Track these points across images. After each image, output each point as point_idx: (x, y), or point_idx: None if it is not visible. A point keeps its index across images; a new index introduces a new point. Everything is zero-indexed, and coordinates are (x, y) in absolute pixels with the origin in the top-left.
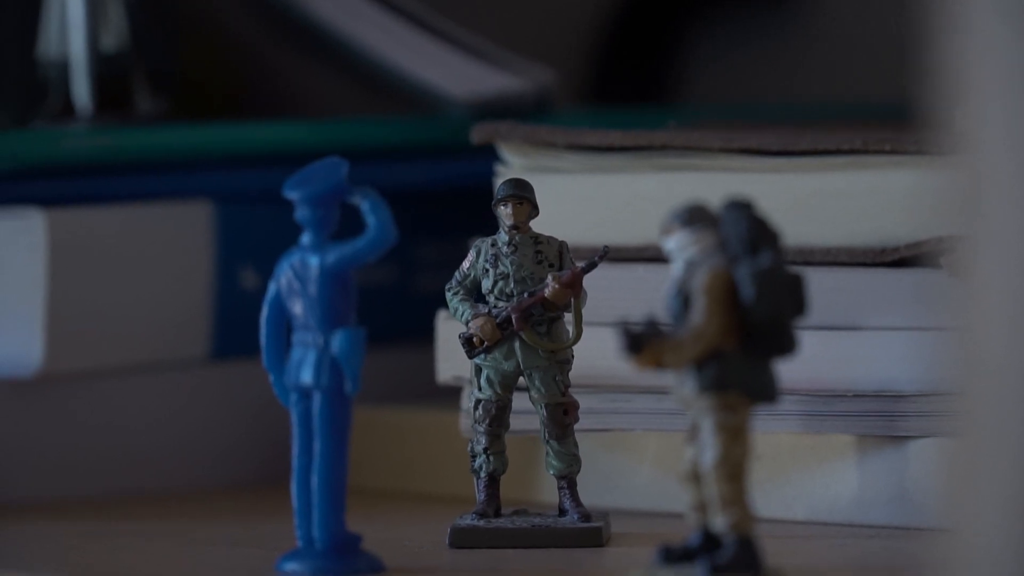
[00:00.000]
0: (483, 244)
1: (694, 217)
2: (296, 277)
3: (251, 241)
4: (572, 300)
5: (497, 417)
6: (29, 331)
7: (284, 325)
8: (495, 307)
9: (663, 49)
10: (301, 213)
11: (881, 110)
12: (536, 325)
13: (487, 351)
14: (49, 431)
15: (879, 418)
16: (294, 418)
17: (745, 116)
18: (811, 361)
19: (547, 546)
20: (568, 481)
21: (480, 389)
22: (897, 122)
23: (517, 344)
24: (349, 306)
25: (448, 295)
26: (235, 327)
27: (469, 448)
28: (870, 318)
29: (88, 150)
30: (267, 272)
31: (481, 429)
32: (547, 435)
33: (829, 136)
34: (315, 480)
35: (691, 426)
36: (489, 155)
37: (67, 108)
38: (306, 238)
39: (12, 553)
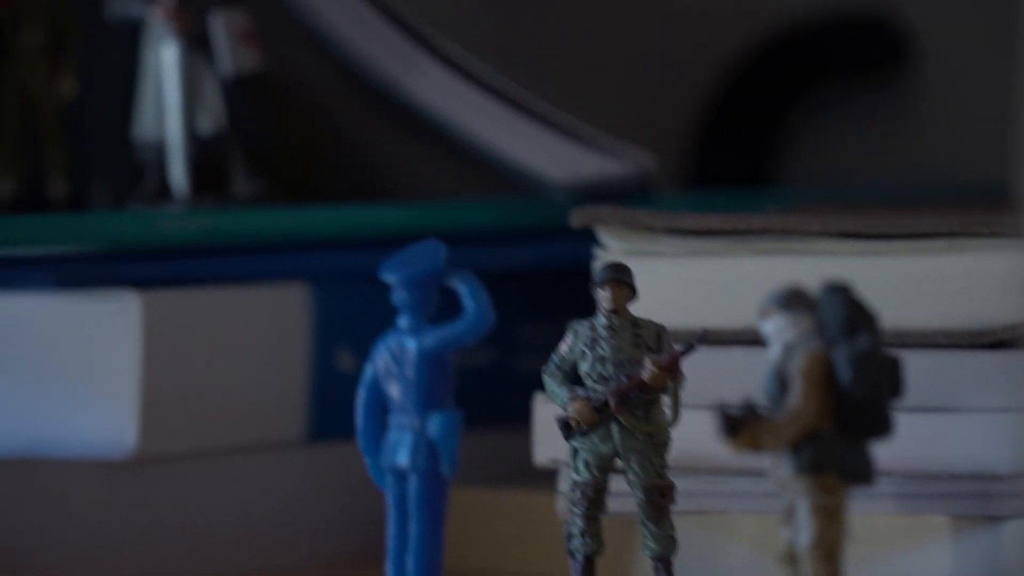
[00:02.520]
0: (581, 327)
1: (792, 300)
2: (393, 360)
3: (348, 323)
4: (670, 383)
5: (594, 500)
6: (124, 412)
7: (381, 407)
8: (592, 390)
9: (762, 133)
10: (399, 296)
11: (980, 191)
12: (633, 408)
13: (584, 434)
14: (144, 513)
15: (975, 499)
16: (390, 500)
17: (844, 198)
18: (907, 442)
19: None
20: (664, 563)
21: (577, 472)
22: (995, 204)
23: (614, 427)
24: (446, 389)
25: (546, 378)
26: (331, 409)
27: (566, 530)
28: (966, 400)
29: (184, 232)
30: (364, 354)
31: (578, 511)
32: (644, 517)
33: (926, 219)
34: (410, 562)
35: (787, 507)
36: (588, 238)
37: (163, 190)
38: (404, 321)
39: None
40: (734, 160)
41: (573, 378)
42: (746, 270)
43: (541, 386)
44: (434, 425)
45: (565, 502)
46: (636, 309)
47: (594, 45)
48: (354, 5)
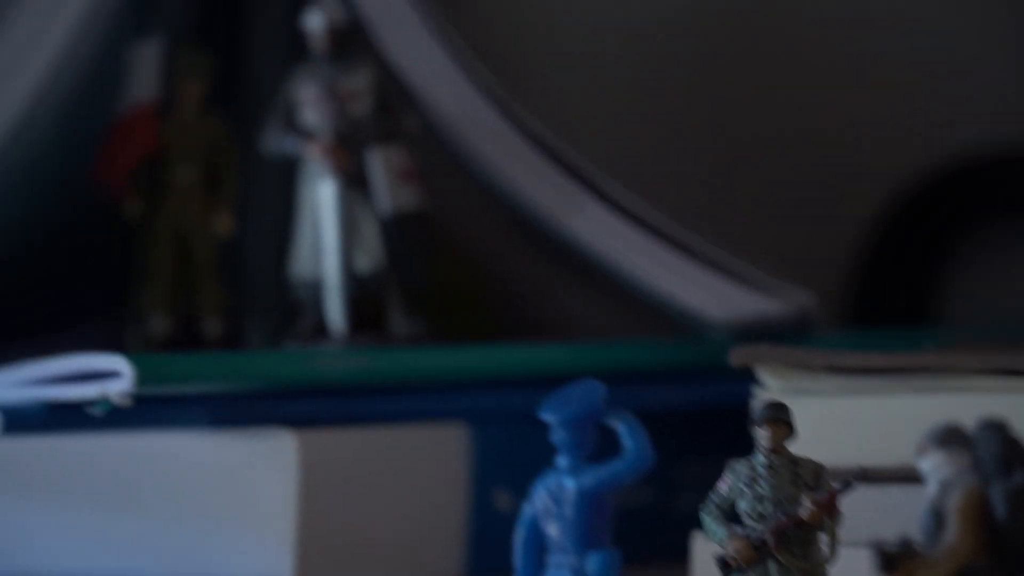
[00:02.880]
0: (740, 466)
1: (949, 438)
2: (552, 499)
3: (506, 462)
4: (827, 521)
5: None
6: (280, 551)
7: (539, 547)
8: (751, 528)
9: (922, 270)
10: (557, 435)
11: None
12: (791, 546)
13: (743, 572)
14: None
15: None
16: None
17: (1003, 336)
18: None
19: None
20: None
21: None
22: None
23: (772, 565)
24: (605, 528)
25: (704, 516)
26: (489, 548)
27: None
28: None
29: (340, 371)
30: (522, 493)
31: None
32: None
33: None
34: None
35: None
36: (747, 377)
37: (320, 328)
38: (562, 460)
39: None
40: (894, 298)
41: (731, 517)
42: (904, 408)
43: (700, 525)
44: (592, 564)
45: None
46: (795, 447)
47: (753, 184)
48: (516, 144)
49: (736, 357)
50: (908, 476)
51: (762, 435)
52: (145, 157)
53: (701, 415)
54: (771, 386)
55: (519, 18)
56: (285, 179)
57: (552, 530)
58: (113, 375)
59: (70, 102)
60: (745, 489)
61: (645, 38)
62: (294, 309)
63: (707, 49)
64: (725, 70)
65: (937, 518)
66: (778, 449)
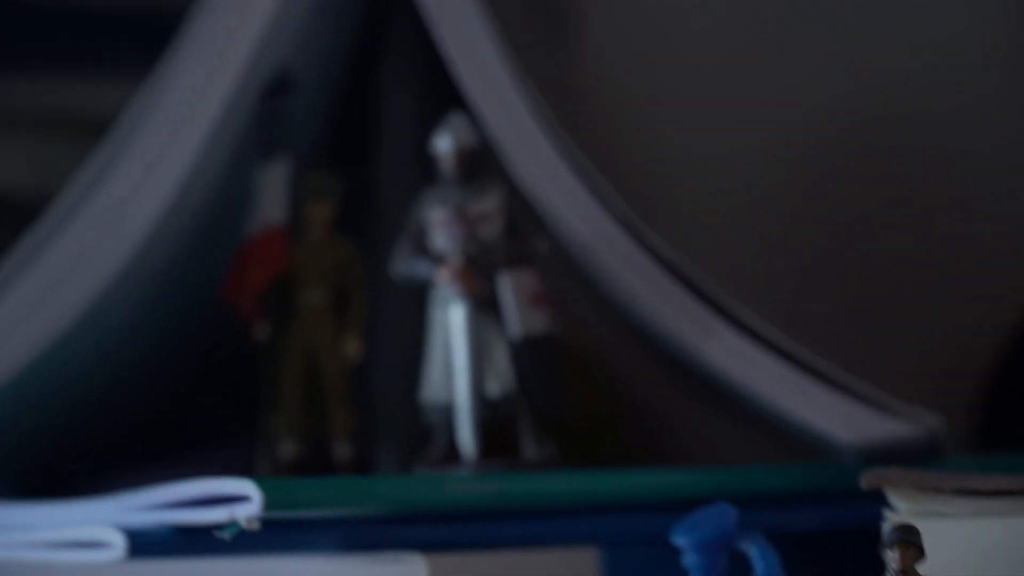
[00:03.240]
0: None
1: None
2: None
3: None
4: None
5: None
6: None
7: None
8: None
9: None
10: (689, 559)
11: None
12: None
13: None
14: None
15: None
16: None
17: None
18: None
19: None
20: None
21: None
22: None
23: None
24: None
25: None
26: None
27: None
28: None
29: (471, 496)
30: None
31: None
32: None
33: None
34: None
35: None
36: (877, 500)
37: (451, 453)
38: None
39: None
40: (1021, 419)
41: None
42: None
43: None
44: None
45: None
46: (924, 570)
47: (881, 306)
48: (647, 267)
49: (866, 480)
50: None
51: (892, 557)
52: (274, 279)
53: (831, 538)
54: (901, 509)
55: (646, 141)
56: (415, 302)
57: None
58: (242, 499)
59: (196, 224)
60: None
61: (773, 162)
62: (425, 433)
63: (836, 171)
64: (854, 191)
65: None
66: (908, 571)
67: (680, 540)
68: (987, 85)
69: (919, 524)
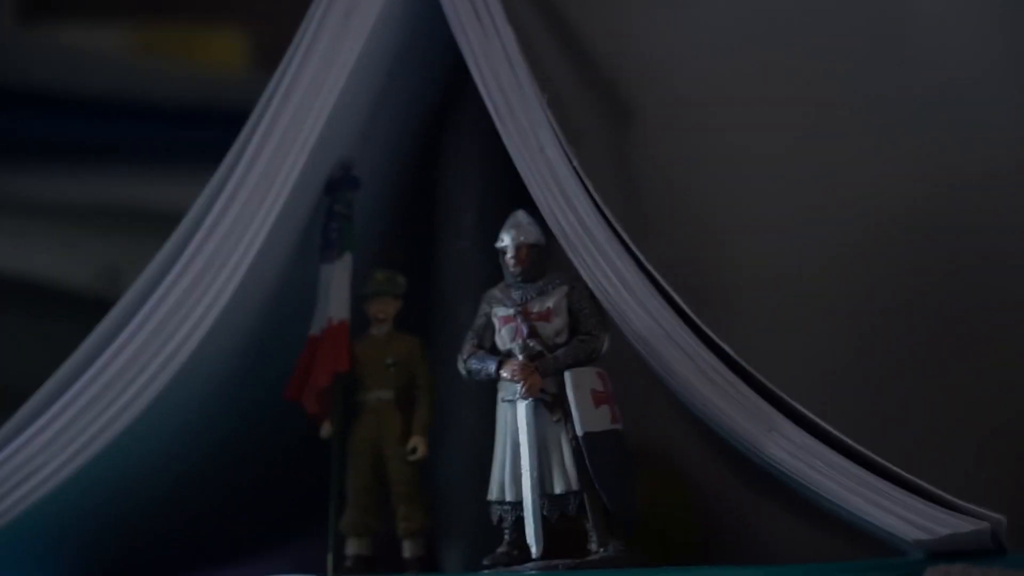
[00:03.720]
0: None
1: None
2: None
3: None
4: None
5: None
6: None
7: None
8: None
9: None
10: None
11: None
12: None
13: None
14: None
15: None
16: None
17: None
18: None
19: None
20: None
21: None
22: None
23: None
24: None
25: None
26: None
27: None
28: None
29: None
30: None
31: None
32: None
33: None
34: None
35: None
36: None
37: (517, 552)
38: None
39: None
40: None
41: None
42: None
43: None
44: None
45: None
46: None
47: (943, 407)
48: (712, 366)
49: None
50: None
51: None
52: (338, 377)
53: None
54: None
55: (707, 237)
56: (480, 400)
57: None
58: None
59: (260, 321)
60: None
61: (835, 257)
62: (491, 532)
63: (898, 266)
64: (917, 286)
65: None
66: None
67: None
68: None
69: None
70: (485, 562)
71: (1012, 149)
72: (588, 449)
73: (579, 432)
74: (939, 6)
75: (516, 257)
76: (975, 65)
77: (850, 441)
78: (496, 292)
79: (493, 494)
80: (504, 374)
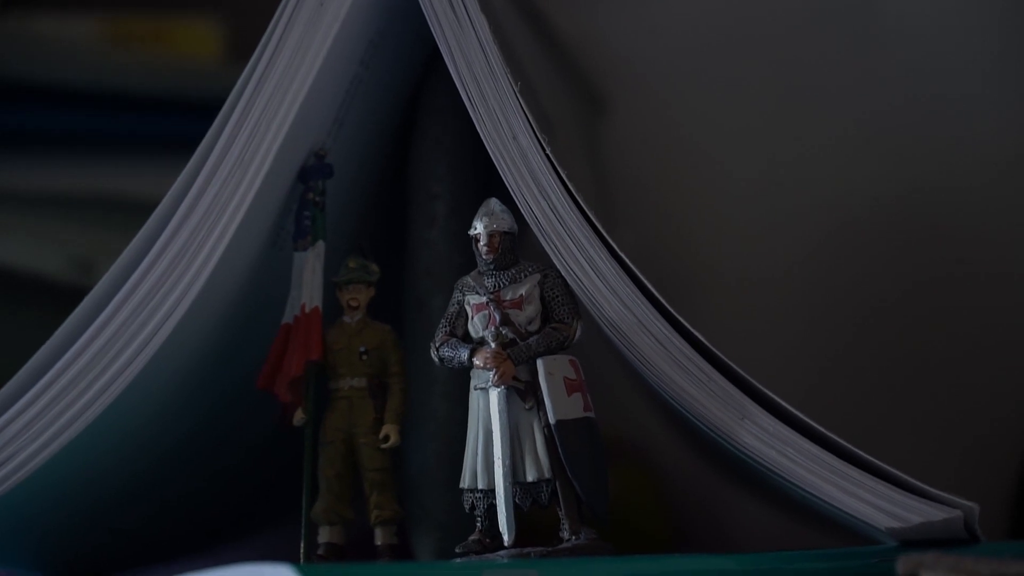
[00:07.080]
0: None
1: None
2: None
3: None
4: None
5: None
6: None
7: None
8: None
9: None
10: None
11: None
12: None
13: None
14: None
15: None
16: None
17: None
18: None
19: None
20: None
21: None
22: None
23: None
24: None
25: None
26: None
27: None
28: None
29: None
30: None
31: None
32: None
33: None
34: None
35: None
36: None
37: (492, 540)
38: None
39: None
40: None
41: None
42: None
43: None
44: None
45: None
46: None
47: (916, 396)
48: (684, 354)
49: (903, 564)
50: None
51: None
52: (311, 365)
53: None
54: None
55: (677, 227)
56: (453, 388)
57: None
58: None
59: (233, 309)
60: None
61: (805, 249)
62: (462, 519)
63: (868, 258)
64: (887, 278)
65: None
66: None
67: None
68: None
69: None
70: (457, 550)
71: (987, 149)
72: (560, 437)
73: (552, 420)
74: (911, 5)
75: (489, 245)
76: (950, 65)
77: (822, 429)
78: (469, 280)
79: (465, 482)
80: (477, 362)
